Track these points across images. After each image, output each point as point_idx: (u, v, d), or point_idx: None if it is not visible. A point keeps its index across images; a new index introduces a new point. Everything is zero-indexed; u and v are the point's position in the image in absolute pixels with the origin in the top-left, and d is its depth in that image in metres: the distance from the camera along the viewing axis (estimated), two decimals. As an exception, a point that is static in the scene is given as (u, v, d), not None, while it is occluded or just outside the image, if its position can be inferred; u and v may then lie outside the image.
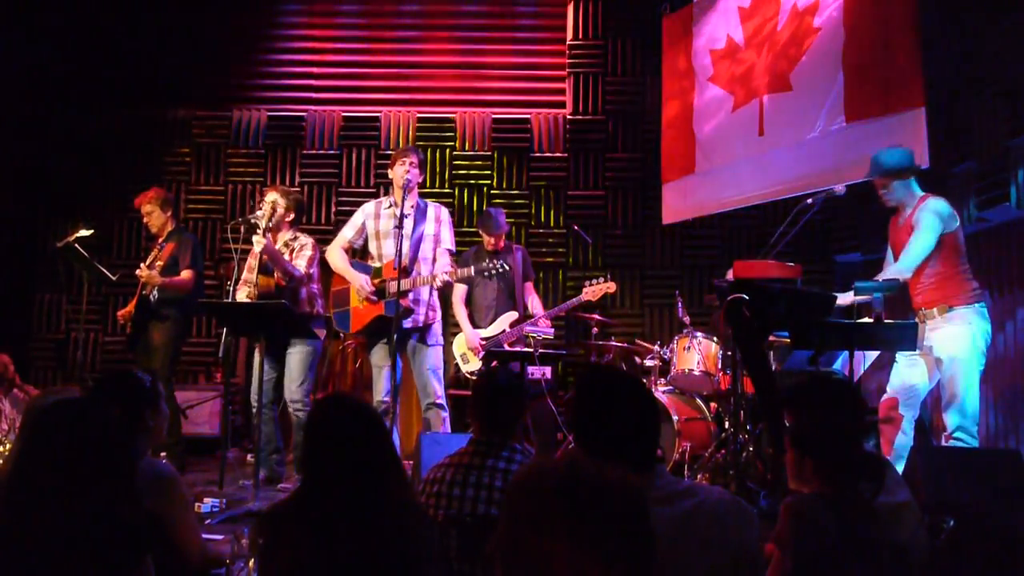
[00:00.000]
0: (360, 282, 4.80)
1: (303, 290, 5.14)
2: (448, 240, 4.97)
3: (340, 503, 1.81)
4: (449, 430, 4.87)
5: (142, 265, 5.28)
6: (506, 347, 5.47)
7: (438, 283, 4.75)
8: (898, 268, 4.19)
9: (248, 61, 7.56)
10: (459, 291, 5.69)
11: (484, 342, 5.57)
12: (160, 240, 5.51)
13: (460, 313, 5.70)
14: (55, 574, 1.70)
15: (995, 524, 3.02)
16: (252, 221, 4.87)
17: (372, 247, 5.02)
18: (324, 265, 5.16)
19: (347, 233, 5.04)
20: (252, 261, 5.01)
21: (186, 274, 5.35)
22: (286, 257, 5.05)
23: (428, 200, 5.13)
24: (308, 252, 5.16)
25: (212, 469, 5.33)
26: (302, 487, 1.93)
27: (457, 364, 5.79)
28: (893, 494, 2.49)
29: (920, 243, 4.13)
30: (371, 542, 1.76)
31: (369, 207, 5.08)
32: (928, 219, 4.13)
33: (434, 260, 4.90)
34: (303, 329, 4.74)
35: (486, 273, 4.73)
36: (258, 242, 4.83)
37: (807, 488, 2.34)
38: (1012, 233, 4.97)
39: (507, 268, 4.75)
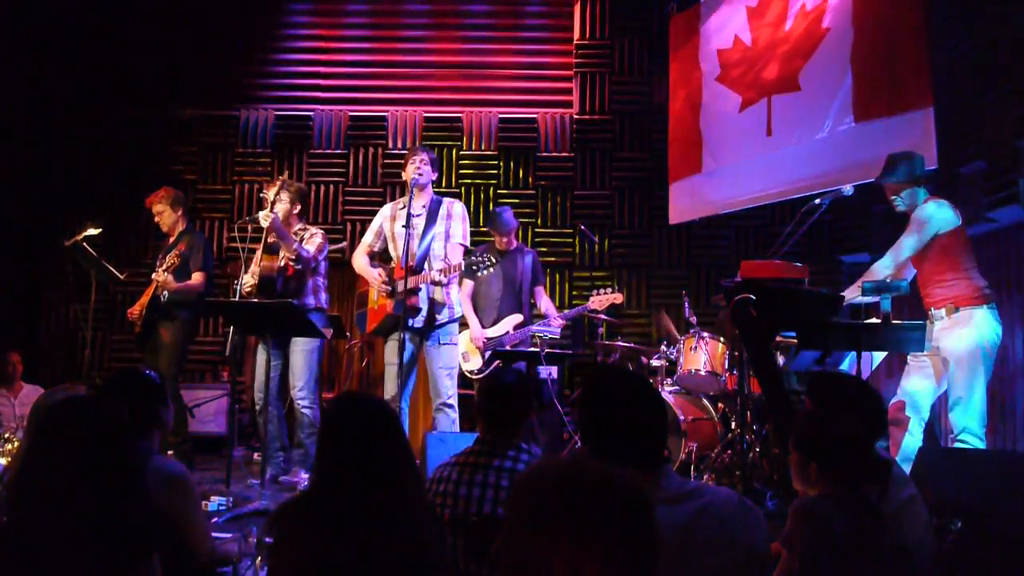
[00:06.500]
0: (374, 276, 4.80)
1: (309, 280, 5.14)
2: (459, 235, 4.86)
3: (352, 502, 1.79)
4: (458, 431, 4.84)
5: (158, 269, 5.29)
6: (508, 348, 5.46)
7: (433, 281, 4.64)
8: (877, 265, 4.23)
9: (255, 61, 7.58)
10: (465, 288, 5.62)
11: (488, 341, 5.57)
12: (171, 240, 5.52)
13: (467, 309, 5.62)
14: (64, 571, 1.71)
15: (1002, 526, 3.00)
16: (260, 196, 4.87)
17: (390, 249, 4.97)
18: (336, 266, 5.15)
19: (367, 238, 5.04)
20: (259, 254, 5.01)
21: (197, 276, 5.36)
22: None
23: (443, 197, 5.04)
24: (317, 240, 5.18)
25: (219, 468, 5.35)
26: (313, 485, 1.92)
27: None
28: (898, 492, 2.48)
29: (904, 243, 4.19)
30: (382, 542, 1.75)
31: (386, 210, 5.04)
32: (916, 221, 4.18)
33: (445, 257, 4.82)
34: (310, 328, 4.74)
35: (474, 268, 4.43)
36: (265, 217, 4.84)
37: (811, 489, 2.33)
38: (1021, 234, 4.94)
39: (493, 262, 4.47)
